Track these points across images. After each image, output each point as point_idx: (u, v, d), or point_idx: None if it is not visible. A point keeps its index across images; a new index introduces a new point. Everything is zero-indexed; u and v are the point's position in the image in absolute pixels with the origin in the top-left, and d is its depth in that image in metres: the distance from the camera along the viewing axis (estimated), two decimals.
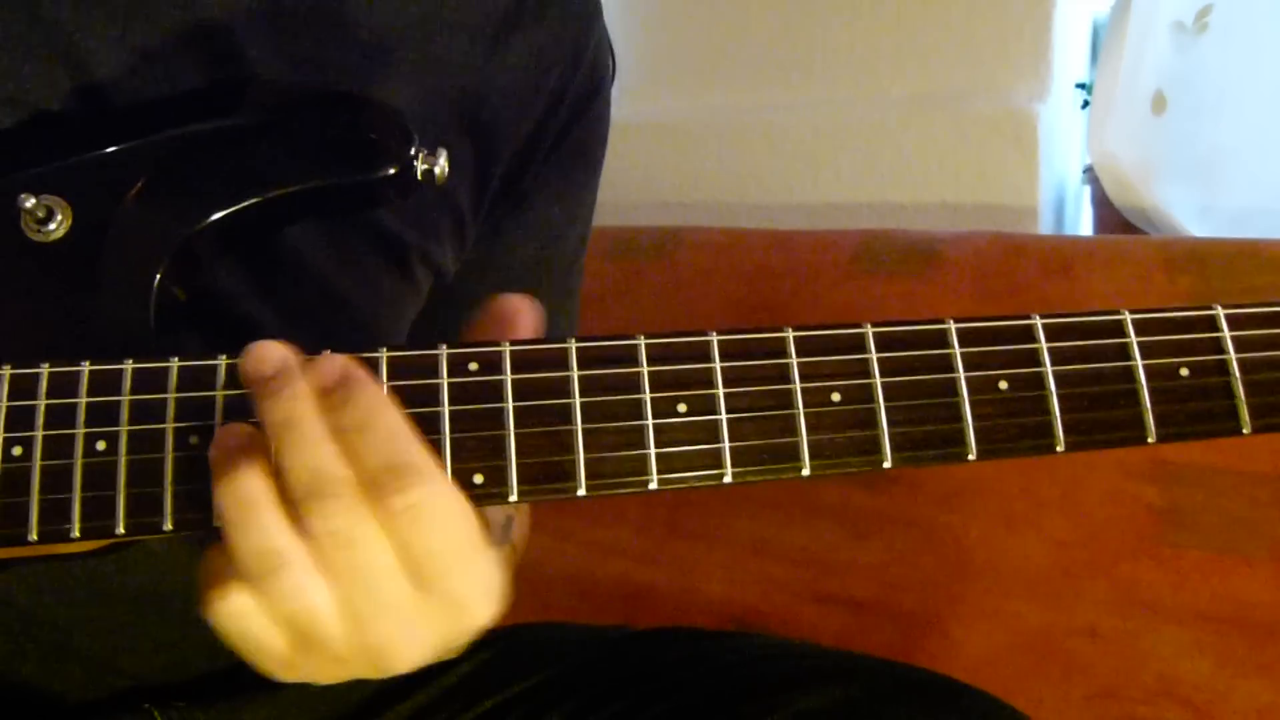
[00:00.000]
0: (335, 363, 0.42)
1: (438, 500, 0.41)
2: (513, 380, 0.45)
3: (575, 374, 0.45)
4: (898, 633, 1.08)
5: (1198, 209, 1.31)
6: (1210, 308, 0.47)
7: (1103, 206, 1.38)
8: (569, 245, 0.77)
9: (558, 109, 0.71)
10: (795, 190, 1.49)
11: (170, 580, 0.61)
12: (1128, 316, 0.47)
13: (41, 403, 0.44)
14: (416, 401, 0.44)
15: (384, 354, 0.45)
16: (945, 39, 1.40)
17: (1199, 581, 1.00)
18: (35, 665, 0.60)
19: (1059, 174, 1.43)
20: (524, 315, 0.48)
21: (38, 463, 0.43)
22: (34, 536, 0.43)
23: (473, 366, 0.45)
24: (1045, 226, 1.38)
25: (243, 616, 0.42)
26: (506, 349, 0.45)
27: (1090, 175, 1.42)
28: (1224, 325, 0.47)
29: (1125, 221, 1.33)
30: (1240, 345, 0.47)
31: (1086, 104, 1.45)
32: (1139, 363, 0.46)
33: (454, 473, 0.44)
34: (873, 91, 1.45)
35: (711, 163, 1.53)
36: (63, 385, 0.44)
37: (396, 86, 0.62)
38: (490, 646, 0.70)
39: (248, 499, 0.41)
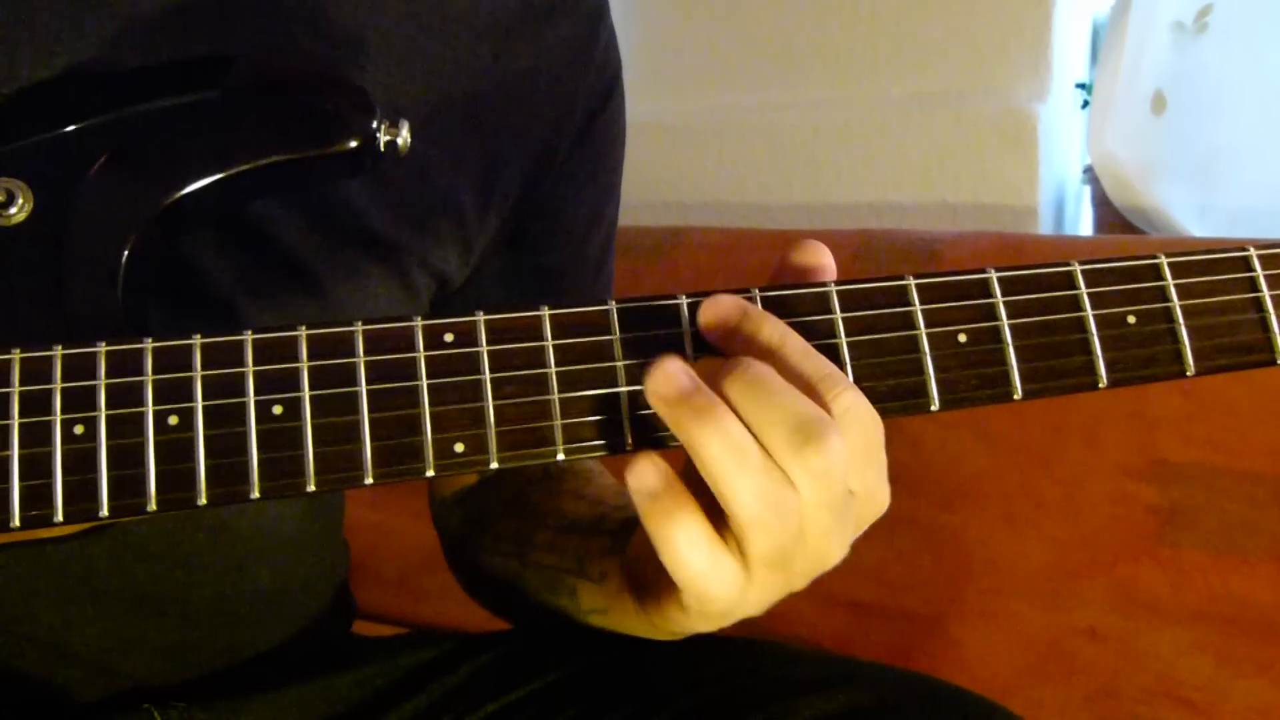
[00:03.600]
0: (726, 301, 0.46)
1: (862, 400, 0.44)
2: (489, 350, 0.46)
3: (550, 344, 0.46)
4: (898, 633, 1.08)
5: (1197, 209, 1.31)
6: (1154, 257, 0.49)
7: (1103, 206, 1.38)
8: (593, 248, 0.76)
9: (572, 111, 0.71)
10: (795, 190, 1.49)
11: (168, 581, 0.61)
12: (1077, 268, 0.49)
13: (15, 390, 0.44)
14: (394, 375, 0.45)
15: (359, 328, 0.45)
16: (945, 39, 1.40)
17: (1199, 581, 1.00)
18: (33, 666, 0.60)
19: (1059, 174, 1.43)
20: (827, 266, 0.49)
21: (16, 450, 0.43)
22: (16, 523, 0.43)
23: (448, 338, 0.46)
24: (1045, 226, 1.39)
25: (715, 558, 0.44)
26: (481, 319, 0.46)
27: (1090, 175, 1.42)
28: (1168, 274, 0.49)
29: (1125, 221, 1.33)
30: (1183, 292, 0.49)
31: (1086, 104, 1.45)
32: (1089, 313, 0.48)
33: (434, 443, 0.45)
34: (873, 91, 1.45)
35: (711, 163, 1.53)
36: (36, 371, 0.44)
37: (385, 81, 0.62)
38: (491, 650, 0.70)
39: (741, 445, 0.43)
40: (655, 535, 0.44)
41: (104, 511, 0.43)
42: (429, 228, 0.65)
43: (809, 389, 0.43)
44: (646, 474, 0.43)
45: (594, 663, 0.66)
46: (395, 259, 0.63)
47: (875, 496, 0.46)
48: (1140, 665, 0.99)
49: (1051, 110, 1.37)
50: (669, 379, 0.43)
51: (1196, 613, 0.99)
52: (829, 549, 0.45)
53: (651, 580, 0.52)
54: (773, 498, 0.43)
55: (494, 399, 0.45)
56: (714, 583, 0.44)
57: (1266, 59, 1.28)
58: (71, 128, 0.51)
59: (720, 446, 0.42)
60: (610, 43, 0.74)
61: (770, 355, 0.44)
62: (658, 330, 0.47)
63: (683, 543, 0.43)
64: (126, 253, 0.50)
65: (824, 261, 0.49)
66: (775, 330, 0.45)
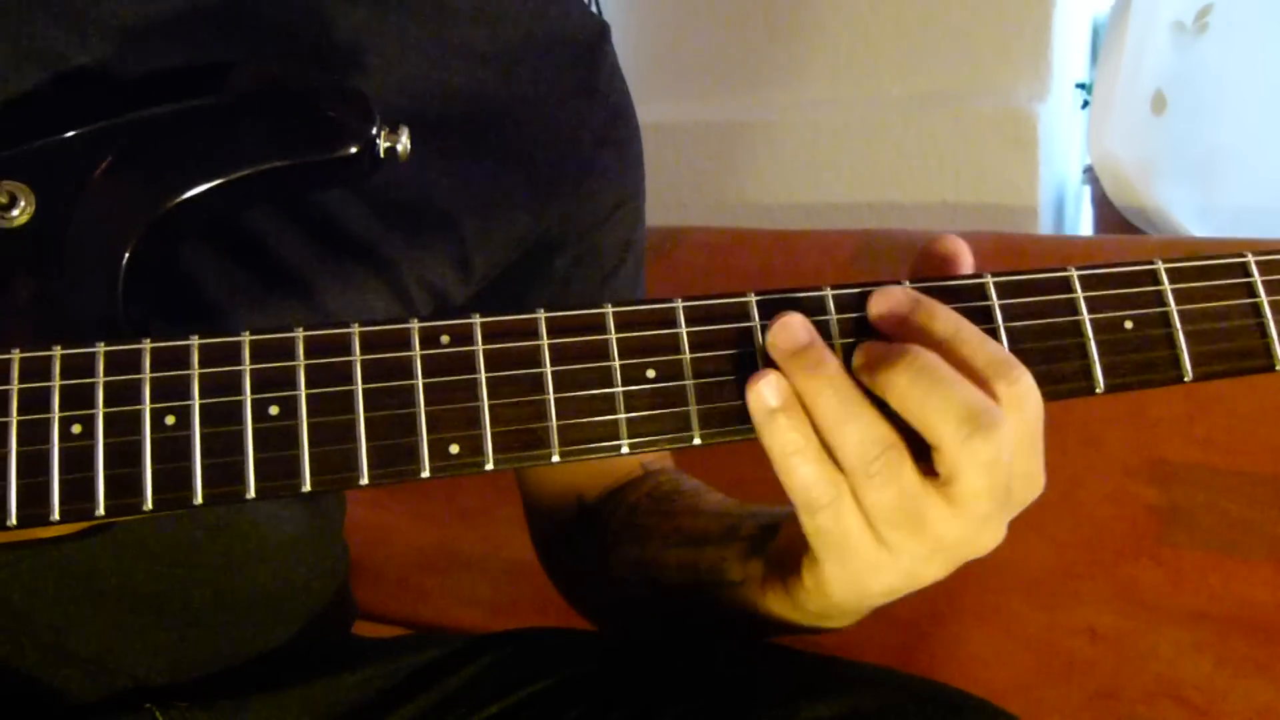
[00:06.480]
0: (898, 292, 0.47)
1: (1034, 387, 0.45)
2: (484, 351, 0.46)
3: (545, 343, 0.46)
4: (898, 634, 1.08)
5: (1198, 209, 1.31)
6: (1152, 262, 0.49)
7: (1103, 206, 1.38)
8: (623, 279, 0.76)
9: (578, 139, 0.71)
10: (795, 190, 1.49)
11: (167, 580, 0.61)
12: (1074, 273, 0.49)
13: (15, 387, 0.44)
14: (390, 375, 0.45)
15: (355, 329, 0.46)
16: (945, 39, 1.40)
17: (1199, 581, 1.00)
18: (33, 665, 0.60)
19: (1059, 174, 1.43)
20: (964, 257, 0.50)
21: (14, 448, 0.44)
22: (13, 521, 0.44)
23: (444, 339, 0.46)
24: (1045, 226, 1.38)
25: (820, 469, 0.45)
26: (477, 320, 0.46)
27: (1090, 175, 1.42)
28: (1165, 279, 0.49)
29: (1125, 221, 1.33)
30: (1180, 297, 0.49)
31: (1086, 104, 1.45)
32: (1086, 317, 0.48)
33: (430, 444, 0.45)
34: (873, 91, 1.45)
35: (712, 163, 1.53)
36: (35, 370, 0.44)
37: (385, 102, 0.62)
38: (494, 651, 0.70)
39: (849, 396, 0.45)
40: (768, 446, 0.45)
41: (100, 510, 0.44)
42: (424, 246, 0.65)
43: (981, 375, 0.44)
44: (768, 390, 0.45)
45: (594, 665, 0.66)
46: (391, 271, 0.64)
47: (1034, 479, 0.47)
48: (1140, 665, 0.98)
49: (1051, 110, 1.37)
50: (788, 331, 0.46)
51: (1196, 613, 0.99)
52: (983, 536, 0.46)
53: (793, 554, 0.53)
54: (877, 446, 0.44)
55: (489, 399, 0.45)
56: (816, 495, 0.45)
57: (1266, 59, 1.27)
58: (73, 132, 0.52)
59: (828, 395, 0.44)
60: (613, 71, 0.74)
61: (943, 345, 0.45)
62: (654, 332, 0.47)
63: (790, 449, 0.45)
64: (128, 256, 0.50)
65: (961, 255, 0.50)
66: (949, 320, 0.46)
